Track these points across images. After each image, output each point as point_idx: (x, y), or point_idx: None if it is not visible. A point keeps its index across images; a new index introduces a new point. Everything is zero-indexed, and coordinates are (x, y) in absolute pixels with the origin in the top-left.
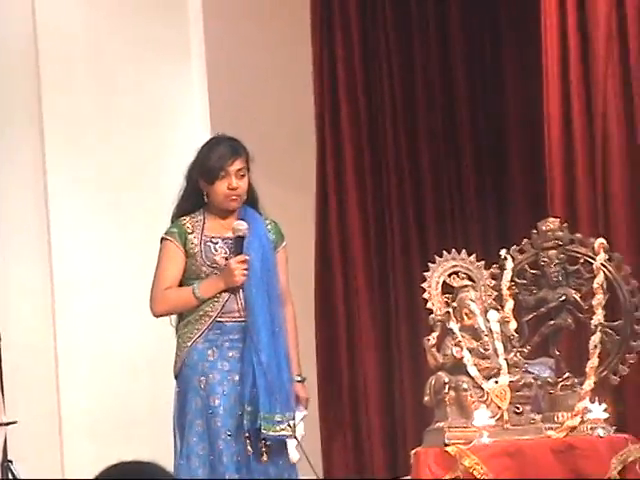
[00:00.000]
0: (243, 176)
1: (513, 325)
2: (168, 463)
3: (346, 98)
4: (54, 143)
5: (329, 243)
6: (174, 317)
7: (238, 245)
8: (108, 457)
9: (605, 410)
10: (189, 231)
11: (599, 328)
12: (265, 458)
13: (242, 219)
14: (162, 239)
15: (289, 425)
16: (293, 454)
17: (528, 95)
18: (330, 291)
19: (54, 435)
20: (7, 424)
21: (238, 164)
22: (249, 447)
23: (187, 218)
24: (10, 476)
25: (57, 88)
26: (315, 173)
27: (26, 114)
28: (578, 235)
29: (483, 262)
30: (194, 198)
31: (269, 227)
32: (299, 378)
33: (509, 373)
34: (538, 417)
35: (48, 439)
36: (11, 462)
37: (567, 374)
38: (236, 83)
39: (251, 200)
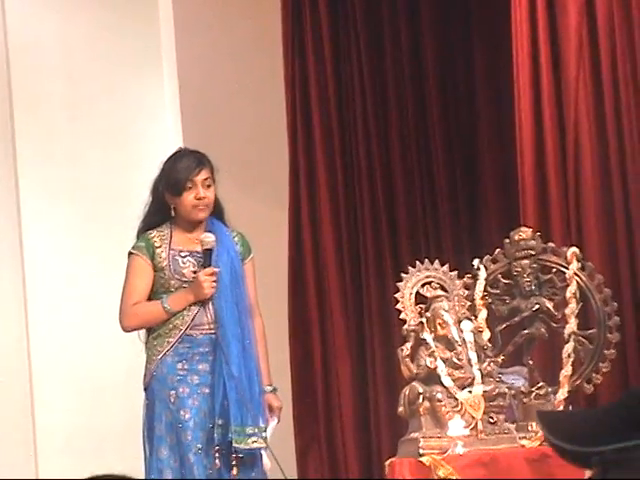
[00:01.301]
0: (209, 186)
1: (486, 335)
2: (140, 477)
3: (318, 109)
4: (26, 156)
5: (302, 256)
6: (143, 333)
7: (206, 258)
8: (82, 471)
9: None
10: (157, 245)
11: (572, 337)
12: (235, 472)
13: (209, 231)
14: (129, 254)
15: (261, 437)
16: (266, 462)
17: (500, 105)
18: (303, 304)
19: (28, 450)
20: None
21: (204, 174)
22: (217, 461)
23: (154, 232)
24: None
25: (29, 101)
26: (288, 186)
27: None
28: (551, 244)
29: (456, 272)
30: (160, 212)
31: (236, 239)
32: (270, 388)
33: (483, 383)
34: (512, 426)
35: (22, 454)
36: None
37: (541, 383)
38: (208, 95)
39: (217, 212)
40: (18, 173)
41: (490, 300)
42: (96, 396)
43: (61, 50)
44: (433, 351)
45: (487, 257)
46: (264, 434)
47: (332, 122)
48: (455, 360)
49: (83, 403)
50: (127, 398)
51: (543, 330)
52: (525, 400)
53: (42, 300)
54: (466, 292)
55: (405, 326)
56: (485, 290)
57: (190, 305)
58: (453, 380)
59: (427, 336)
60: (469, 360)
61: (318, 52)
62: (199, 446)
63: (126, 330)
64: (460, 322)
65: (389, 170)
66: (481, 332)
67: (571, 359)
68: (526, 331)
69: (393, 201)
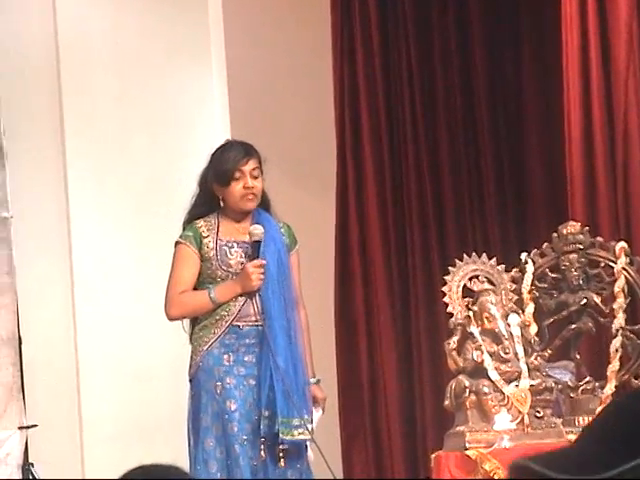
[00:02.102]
0: (257, 177)
1: (534, 329)
2: (186, 466)
3: (366, 101)
4: (75, 148)
5: (348, 247)
6: (187, 323)
7: (255, 249)
8: (129, 460)
9: None
10: (204, 235)
11: (620, 332)
12: (282, 463)
13: (257, 222)
14: (177, 243)
15: (307, 429)
16: (309, 453)
17: (548, 97)
18: (349, 295)
19: (75, 438)
20: (28, 427)
21: (252, 164)
22: (262, 452)
23: (202, 222)
24: (31, 479)
25: (78, 93)
26: (335, 177)
27: (47, 119)
28: (599, 239)
29: (503, 266)
30: (208, 204)
31: (282, 230)
32: (314, 380)
33: (530, 377)
34: (559, 421)
35: (69, 442)
36: (32, 465)
37: (588, 378)
38: (256, 87)
39: (264, 203)
40: (67, 165)
41: (537, 294)
42: (142, 386)
43: (110, 42)
44: (480, 345)
45: (535, 251)
46: (309, 426)
47: (380, 114)
48: (502, 354)
49: (129, 393)
50: (172, 388)
51: (591, 324)
52: (572, 395)
53: (89, 291)
54: (513, 286)
55: (452, 319)
56: (532, 284)
57: (236, 296)
58: (500, 374)
59: (474, 329)
60: (516, 354)
61: (367, 45)
62: (245, 437)
63: (171, 319)
64: (507, 316)
65: (436, 163)
66: (528, 326)
67: (619, 354)
68: (573, 325)
69: (440, 193)
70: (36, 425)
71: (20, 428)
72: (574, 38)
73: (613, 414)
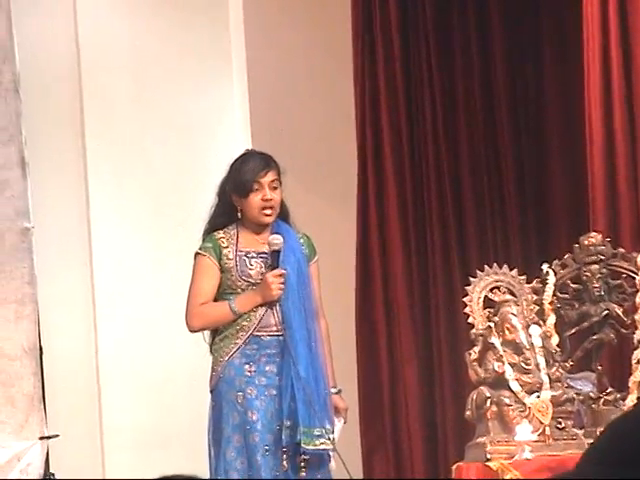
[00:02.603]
0: (276, 188)
1: (555, 340)
2: (207, 477)
3: (387, 110)
4: (95, 156)
5: (369, 258)
6: (207, 334)
7: (274, 259)
8: (149, 470)
9: None
10: (224, 245)
11: None
12: (304, 473)
13: (276, 232)
14: (196, 254)
15: (328, 439)
16: (331, 464)
17: (570, 107)
18: (370, 305)
19: (96, 448)
20: (49, 437)
21: (271, 176)
22: (284, 462)
23: (221, 233)
24: None
25: (99, 98)
26: (356, 186)
27: (68, 125)
28: (621, 250)
29: (525, 276)
30: (227, 214)
31: (302, 241)
32: (335, 390)
33: (551, 388)
34: (580, 432)
35: (90, 452)
36: (53, 475)
37: (609, 389)
38: (277, 95)
39: (283, 214)
40: (88, 173)
41: (559, 305)
42: (162, 396)
43: (131, 48)
44: (501, 355)
45: (556, 262)
46: (331, 435)
47: (401, 123)
48: (523, 365)
49: (150, 403)
50: (193, 398)
51: (612, 336)
52: (593, 406)
53: (110, 301)
54: (535, 297)
55: (473, 330)
56: (554, 295)
57: (257, 306)
58: (521, 385)
59: (495, 340)
60: (537, 365)
61: (387, 51)
62: (266, 447)
63: (192, 330)
64: (528, 327)
65: (457, 173)
66: (550, 337)
67: None
68: (595, 336)
69: (461, 204)
70: (57, 435)
71: (41, 438)
72: (595, 38)
73: (608, 437)
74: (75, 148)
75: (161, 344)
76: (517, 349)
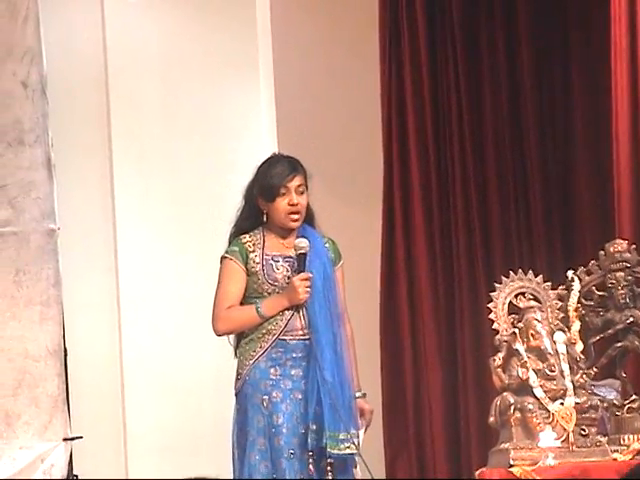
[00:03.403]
0: (302, 193)
1: (579, 347)
2: None
3: (413, 114)
4: (122, 158)
5: (394, 263)
6: (233, 337)
7: (300, 262)
8: (173, 473)
9: None
10: (250, 249)
11: None
12: (330, 477)
13: (302, 236)
14: (223, 258)
15: (353, 443)
16: (357, 470)
17: (597, 112)
18: (395, 311)
19: (119, 450)
20: (72, 439)
21: (298, 180)
22: (311, 466)
23: (247, 237)
24: None
25: (125, 103)
26: (382, 191)
27: (95, 127)
28: None
29: (550, 283)
30: (253, 217)
31: (327, 245)
32: (360, 394)
33: (575, 395)
34: (604, 439)
35: (113, 454)
36: (76, 477)
37: (634, 396)
38: (303, 99)
39: (308, 218)
40: (114, 175)
41: (584, 312)
42: (186, 399)
43: (158, 53)
44: (525, 362)
45: (581, 269)
46: (356, 440)
47: (427, 126)
48: (547, 371)
49: (173, 406)
50: (217, 401)
51: (637, 343)
52: (618, 413)
53: (135, 303)
54: (559, 303)
55: (497, 336)
56: (579, 302)
57: (283, 310)
58: (545, 391)
59: (519, 347)
60: (561, 372)
61: (414, 57)
62: (291, 451)
63: (219, 334)
64: (553, 333)
65: (483, 179)
66: (574, 344)
67: None
68: (620, 344)
69: (486, 209)
70: (81, 437)
71: (65, 440)
72: (623, 39)
73: None
74: (101, 150)
75: (185, 346)
76: (541, 355)
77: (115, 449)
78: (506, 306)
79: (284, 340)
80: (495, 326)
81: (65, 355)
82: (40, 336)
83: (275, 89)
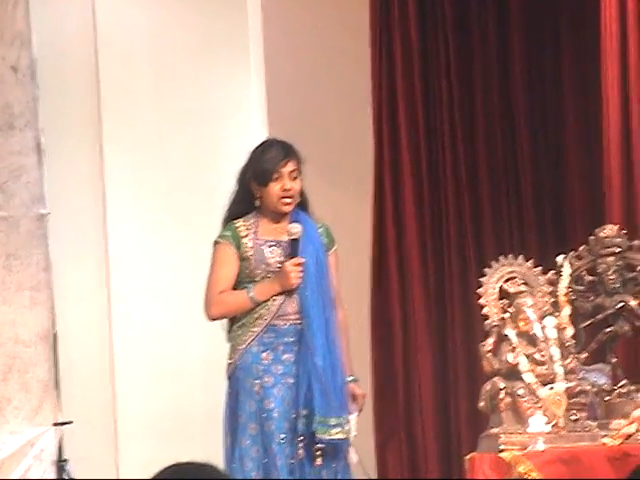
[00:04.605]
0: (296, 178)
1: (570, 332)
2: (221, 465)
3: (404, 98)
4: (112, 143)
5: (385, 248)
6: (225, 321)
7: (293, 248)
8: (163, 458)
9: None
10: (243, 234)
11: None
12: (319, 462)
13: (295, 221)
14: (215, 242)
15: (344, 429)
16: (352, 456)
17: (587, 100)
18: (385, 296)
19: (109, 435)
20: (62, 424)
21: (291, 165)
22: (300, 450)
23: (240, 221)
24: (64, 476)
25: (116, 91)
26: (372, 176)
27: (85, 111)
28: (636, 242)
29: (540, 268)
30: (246, 202)
31: (320, 230)
32: (351, 378)
33: (565, 380)
34: (594, 424)
35: (103, 439)
36: (66, 461)
37: (624, 381)
38: (294, 85)
39: (302, 203)
40: (104, 162)
41: (574, 297)
42: (176, 383)
43: (148, 39)
44: (515, 347)
45: (572, 253)
46: (347, 426)
47: (418, 113)
48: (537, 356)
49: (164, 390)
50: (207, 385)
51: (627, 328)
52: (607, 398)
53: (125, 288)
54: (550, 288)
55: (488, 321)
56: (569, 287)
57: (275, 295)
58: (535, 376)
59: (510, 332)
60: (551, 357)
61: (405, 41)
62: (282, 436)
63: (211, 319)
64: (543, 318)
65: (474, 165)
66: (564, 329)
67: None
68: (610, 329)
69: (477, 195)
70: (71, 422)
71: (55, 424)
72: (613, 39)
73: None
74: (92, 135)
75: (176, 330)
76: (531, 340)
77: (105, 434)
78: (496, 291)
79: (276, 325)
80: (485, 311)
81: (55, 340)
82: (30, 321)
83: (266, 76)
